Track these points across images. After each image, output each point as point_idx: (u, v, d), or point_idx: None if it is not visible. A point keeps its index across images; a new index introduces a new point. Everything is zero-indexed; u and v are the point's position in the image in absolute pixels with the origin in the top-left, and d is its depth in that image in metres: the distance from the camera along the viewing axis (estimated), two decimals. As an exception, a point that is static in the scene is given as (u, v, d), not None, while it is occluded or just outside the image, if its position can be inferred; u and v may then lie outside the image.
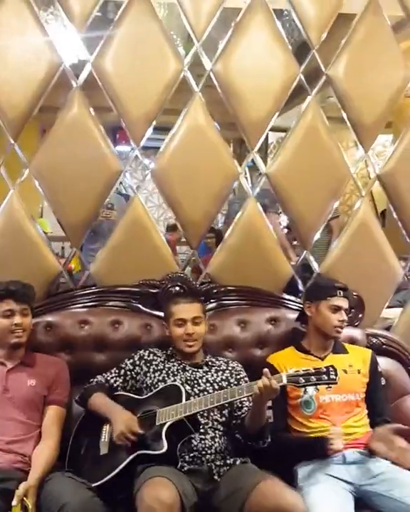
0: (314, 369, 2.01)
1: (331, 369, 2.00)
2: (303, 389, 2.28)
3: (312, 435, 2.28)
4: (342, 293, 2.42)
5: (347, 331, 2.67)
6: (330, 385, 2.07)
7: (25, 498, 1.88)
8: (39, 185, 2.71)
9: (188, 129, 2.74)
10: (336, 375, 1.99)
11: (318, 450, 2.18)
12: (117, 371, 2.36)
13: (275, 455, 2.22)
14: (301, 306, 2.65)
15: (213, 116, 2.77)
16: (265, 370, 2.01)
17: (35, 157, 2.68)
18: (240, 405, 2.25)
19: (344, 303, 2.41)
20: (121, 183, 2.98)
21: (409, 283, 3.07)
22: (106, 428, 2.21)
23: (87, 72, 2.69)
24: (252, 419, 2.12)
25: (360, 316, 2.78)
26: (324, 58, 2.84)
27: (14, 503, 1.84)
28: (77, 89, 2.68)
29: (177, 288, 2.65)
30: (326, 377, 1.98)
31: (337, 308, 2.40)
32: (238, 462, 2.17)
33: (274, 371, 2.17)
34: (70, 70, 2.69)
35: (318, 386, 2.12)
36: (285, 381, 1.99)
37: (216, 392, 2.19)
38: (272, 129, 2.91)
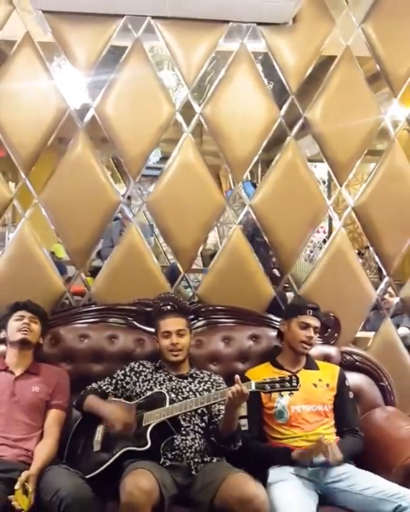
0: (279, 377, 2.29)
1: (293, 378, 2.27)
2: (276, 399, 2.55)
3: (285, 441, 2.53)
4: (311, 312, 2.69)
5: (323, 349, 2.96)
6: (292, 392, 2.34)
7: (26, 483, 2.16)
8: (47, 214, 3.04)
9: (179, 165, 3.08)
10: (297, 382, 2.26)
11: (282, 457, 2.43)
12: (109, 380, 2.65)
13: (248, 460, 2.48)
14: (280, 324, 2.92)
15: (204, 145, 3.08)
16: (236, 376, 2.29)
17: (43, 190, 3.03)
18: (217, 413, 2.51)
19: (312, 321, 2.67)
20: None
21: (385, 309, 3.32)
22: (99, 429, 2.49)
23: (90, 116, 3.04)
24: (224, 425, 2.38)
25: (336, 335, 3.05)
26: (302, 99, 3.16)
27: (17, 486, 2.12)
28: (81, 130, 3.04)
29: (168, 306, 2.94)
30: (288, 385, 2.25)
31: (305, 326, 2.66)
32: (214, 460, 2.44)
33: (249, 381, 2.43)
34: (75, 112, 3.04)
35: (282, 393, 2.38)
36: (253, 387, 2.27)
37: (194, 398, 2.48)
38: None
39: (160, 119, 3.06)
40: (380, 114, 3.19)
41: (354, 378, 2.85)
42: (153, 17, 3.02)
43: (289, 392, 2.34)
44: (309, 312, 2.69)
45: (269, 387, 2.27)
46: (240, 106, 3.09)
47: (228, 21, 3.06)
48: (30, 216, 3.05)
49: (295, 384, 2.26)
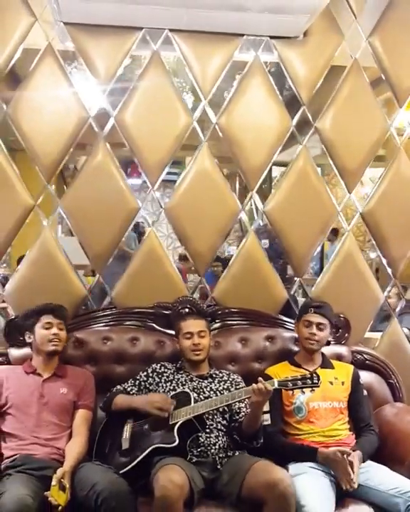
0: (301, 375, 2.43)
1: (314, 375, 2.41)
2: (295, 396, 2.68)
3: (303, 436, 2.67)
4: (313, 310, 2.82)
5: (335, 348, 3.09)
6: (313, 388, 2.47)
7: (62, 480, 2.26)
8: (67, 220, 3.15)
9: (196, 173, 3.20)
10: (318, 380, 2.40)
11: (307, 456, 2.54)
12: (132, 381, 2.76)
13: (271, 454, 2.59)
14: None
15: (214, 152, 3.20)
16: (260, 378, 2.42)
17: (65, 196, 3.13)
18: (238, 411, 2.63)
19: (314, 318, 2.80)
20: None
21: (392, 310, 3.47)
22: (127, 427, 2.61)
23: (110, 125, 3.15)
24: (248, 422, 2.51)
25: (346, 335, 3.18)
26: (312, 108, 3.30)
27: (53, 483, 2.22)
28: (101, 140, 3.14)
29: (186, 309, 3.05)
30: (310, 382, 2.39)
31: (308, 323, 2.80)
32: (236, 453, 2.56)
33: (271, 379, 2.55)
34: (95, 122, 3.14)
35: (304, 390, 2.51)
36: (276, 385, 2.40)
37: (218, 396, 2.60)
38: (276, 164, 3.35)
39: (177, 128, 3.17)
40: (386, 124, 3.33)
41: (364, 376, 2.97)
42: (171, 30, 3.13)
43: (310, 389, 2.47)
44: (311, 310, 2.82)
45: (291, 385, 2.40)
46: (253, 116, 3.21)
47: (242, 34, 3.18)
48: (52, 222, 3.14)
49: (317, 381, 2.39)
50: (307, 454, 2.55)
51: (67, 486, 2.27)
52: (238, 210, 3.26)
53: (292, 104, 3.30)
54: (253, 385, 2.40)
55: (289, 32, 3.17)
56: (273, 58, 3.29)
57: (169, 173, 3.28)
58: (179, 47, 3.16)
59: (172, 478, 2.23)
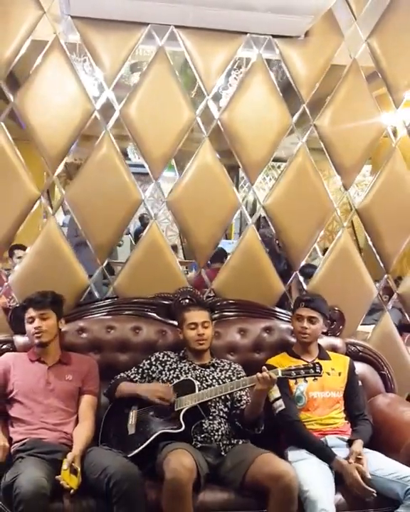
0: (304, 365, 2.53)
1: (317, 365, 2.51)
2: (296, 386, 2.78)
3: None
4: (303, 304, 2.91)
5: (330, 340, 3.18)
6: (316, 378, 2.57)
7: (73, 463, 2.33)
8: (72, 211, 3.20)
9: (198, 167, 3.27)
10: (321, 369, 2.50)
11: (322, 457, 2.61)
12: (135, 369, 2.82)
13: (290, 439, 2.71)
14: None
15: (215, 145, 3.28)
16: (264, 367, 2.52)
17: (70, 188, 3.18)
18: (239, 399, 2.72)
19: (305, 312, 2.88)
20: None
21: (383, 303, 3.59)
22: (132, 413, 2.68)
23: (115, 118, 3.20)
24: (250, 410, 2.61)
25: (341, 327, 3.28)
26: (311, 106, 3.39)
27: (65, 467, 2.28)
28: (106, 133, 3.19)
29: (187, 300, 3.14)
30: (312, 371, 2.49)
31: (300, 317, 2.89)
32: (240, 442, 2.65)
33: (274, 368, 2.63)
34: (101, 118, 3.19)
35: (306, 379, 2.61)
36: (280, 374, 2.49)
37: (222, 384, 2.68)
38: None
39: (180, 123, 3.24)
40: (383, 124, 3.43)
41: (357, 367, 3.05)
42: (176, 26, 3.19)
43: (313, 378, 2.57)
44: (302, 304, 2.91)
45: (295, 374, 2.50)
46: (255, 112, 3.29)
47: (245, 33, 3.25)
48: (57, 213, 3.19)
49: (319, 371, 2.50)
50: (324, 455, 2.62)
51: (79, 469, 2.33)
52: (238, 204, 3.34)
53: (292, 102, 3.39)
54: (258, 373, 2.49)
55: (291, 31, 3.25)
56: (275, 56, 3.36)
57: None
58: (183, 43, 3.22)
59: (183, 461, 2.31)
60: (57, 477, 2.28)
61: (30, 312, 2.70)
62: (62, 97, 3.13)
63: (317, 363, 2.54)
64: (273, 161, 3.42)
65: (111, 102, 3.21)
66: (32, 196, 3.14)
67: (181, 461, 2.30)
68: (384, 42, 3.42)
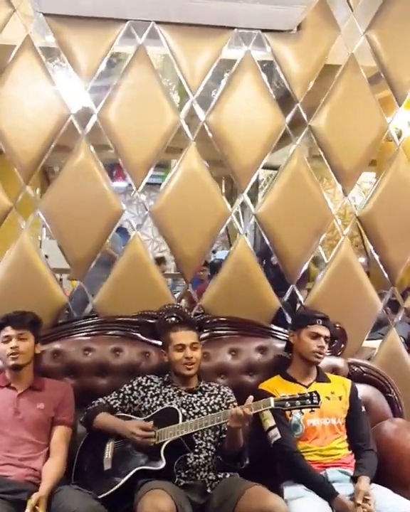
0: (299, 394, 2.25)
1: (314, 394, 2.23)
2: (291, 414, 2.50)
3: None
4: (321, 322, 2.65)
5: (330, 360, 2.90)
6: (313, 409, 2.29)
7: (37, 507, 2.07)
8: (47, 223, 2.96)
9: (183, 173, 3.02)
10: (318, 400, 2.22)
11: (322, 494, 2.34)
12: (116, 395, 2.57)
13: (287, 473, 2.45)
14: (287, 336, 2.88)
15: (204, 154, 3.04)
16: (250, 397, 2.25)
17: (44, 198, 2.94)
18: (226, 429, 2.45)
19: (323, 331, 2.64)
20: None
21: (390, 317, 3.30)
22: (109, 445, 2.41)
23: (92, 123, 2.96)
24: (228, 443, 2.34)
25: (342, 346, 3.01)
26: (306, 106, 3.13)
27: (28, 511, 2.03)
28: (83, 137, 2.96)
29: (173, 318, 2.88)
30: (309, 402, 2.21)
31: (316, 336, 2.63)
32: (227, 475, 2.38)
33: (268, 395, 2.39)
34: (77, 118, 2.95)
35: (302, 410, 2.33)
36: (273, 404, 2.22)
37: (210, 414, 2.41)
38: (263, 167, 3.18)
39: (164, 126, 2.99)
40: (385, 123, 3.17)
41: (361, 390, 2.79)
42: (157, 22, 2.96)
43: (310, 410, 2.30)
44: (319, 321, 2.66)
45: (289, 405, 2.22)
46: (244, 114, 3.04)
47: (233, 27, 3.01)
48: (30, 225, 2.95)
49: (317, 401, 2.22)
50: (325, 491, 2.35)
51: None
52: (228, 213, 3.08)
53: (285, 101, 3.14)
54: (233, 409, 2.24)
55: (282, 25, 3.01)
56: (265, 53, 3.12)
57: (153, 176, 3.11)
58: (165, 40, 2.98)
59: (158, 505, 2.04)
60: None
61: (8, 330, 2.47)
62: (35, 101, 2.90)
63: (314, 392, 2.25)
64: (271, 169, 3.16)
65: (88, 105, 2.97)
66: (3, 207, 2.90)
67: (156, 505, 2.03)
68: (385, 35, 3.15)
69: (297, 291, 3.18)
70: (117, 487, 2.25)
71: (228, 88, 3.05)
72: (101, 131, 2.98)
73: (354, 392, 2.67)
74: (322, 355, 2.63)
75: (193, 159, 3.02)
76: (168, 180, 3.02)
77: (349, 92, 3.14)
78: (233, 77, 3.06)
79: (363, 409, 2.67)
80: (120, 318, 2.90)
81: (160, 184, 3.08)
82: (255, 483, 2.22)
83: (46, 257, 3.15)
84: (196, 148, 3.03)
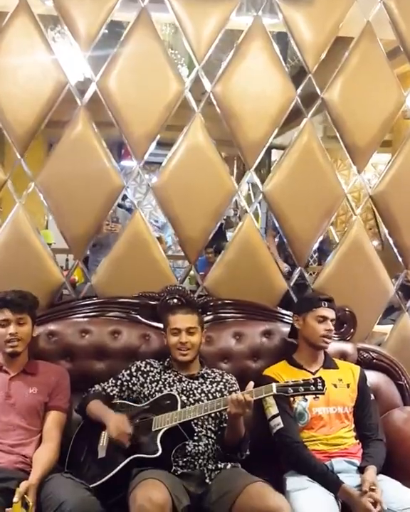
0: (303, 380, 2.11)
1: (319, 380, 2.09)
2: (296, 401, 2.38)
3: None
4: (327, 304, 2.52)
5: (339, 346, 2.78)
6: (317, 396, 2.15)
7: (26, 496, 1.95)
8: (44, 198, 2.81)
9: (188, 147, 2.85)
10: (323, 386, 2.08)
11: (327, 484, 2.22)
12: (114, 381, 2.45)
13: (289, 463, 2.33)
14: (292, 321, 2.74)
15: (213, 133, 2.87)
16: (251, 383, 2.12)
17: (41, 172, 2.79)
18: (227, 417, 2.32)
19: (329, 313, 2.51)
20: (126, 197, 3.08)
21: (403, 302, 3.15)
22: (104, 433, 2.29)
23: (92, 92, 2.80)
24: (229, 433, 2.21)
25: (352, 331, 2.86)
26: (320, 81, 2.96)
27: (15, 499, 1.91)
28: (82, 107, 2.79)
29: (175, 300, 2.74)
30: (314, 388, 2.07)
31: (322, 319, 2.49)
32: (228, 466, 2.25)
33: (273, 381, 2.26)
34: (76, 88, 2.79)
35: (307, 397, 2.19)
36: (275, 390, 2.08)
37: (208, 401, 2.28)
38: (276, 148, 3.02)
39: (167, 97, 2.82)
40: (402, 97, 2.99)
41: (371, 377, 2.67)
42: (160, -16, 2.78)
43: (314, 396, 2.16)
44: (325, 304, 2.53)
45: (292, 391, 2.09)
46: (253, 85, 2.86)
47: (242, -9, 2.83)
48: (25, 200, 2.80)
49: (321, 388, 2.08)
50: (329, 482, 2.22)
51: (31, 503, 1.96)
52: (234, 191, 2.92)
53: (296, 73, 2.96)
54: (233, 394, 2.10)
55: (295, -11, 2.82)
56: (276, 21, 2.93)
57: (157, 155, 2.95)
58: (170, 4, 2.80)
59: (152, 496, 1.92)
60: (7, 510, 1.92)
61: (6, 314, 2.33)
62: (30, 68, 2.73)
63: (319, 377, 2.12)
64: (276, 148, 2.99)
65: (87, 73, 2.81)
66: (-5, 181, 2.77)
67: (149, 496, 1.91)
68: (404, 2, 2.95)
69: (305, 274, 3.03)
70: (110, 475, 2.13)
71: (236, 57, 2.87)
72: (101, 102, 2.81)
73: (362, 379, 2.55)
74: (329, 340, 2.50)
75: (199, 132, 2.86)
76: (171, 154, 2.86)
77: (364, 63, 2.96)
78: (241, 45, 2.87)
79: (372, 397, 2.55)
80: (120, 299, 2.77)
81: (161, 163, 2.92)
82: (258, 479, 2.09)
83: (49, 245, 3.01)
84: (202, 120, 2.86)
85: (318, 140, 2.94)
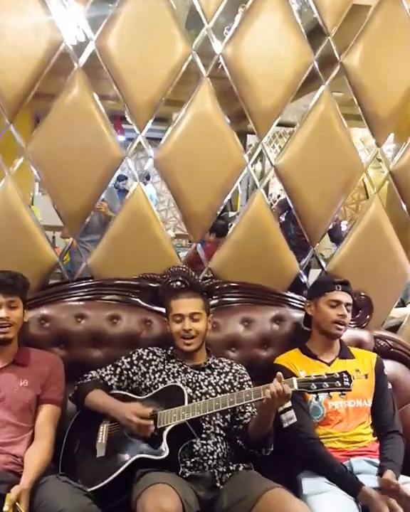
0: (327, 375, 1.91)
1: (344, 375, 1.90)
2: (311, 394, 2.17)
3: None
4: (340, 287, 2.33)
5: (354, 333, 2.60)
6: (343, 393, 1.96)
7: (17, 503, 1.75)
8: (35, 171, 2.56)
9: (194, 116, 2.60)
10: (350, 381, 1.89)
11: (346, 486, 2.03)
12: (112, 369, 2.24)
13: (303, 461, 2.14)
14: (304, 306, 2.53)
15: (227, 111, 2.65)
16: (279, 373, 1.90)
17: (31, 141, 2.53)
18: (242, 410, 2.13)
19: (343, 297, 2.31)
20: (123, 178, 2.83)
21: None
22: (103, 428, 2.09)
23: (89, 52, 2.53)
24: (257, 427, 2.01)
25: (368, 317, 2.68)
26: (339, 48, 2.71)
27: (6, 508, 1.72)
28: (78, 70, 2.52)
29: (178, 283, 2.54)
30: (339, 384, 1.88)
31: (336, 303, 2.30)
32: (240, 468, 2.06)
33: (287, 372, 2.08)
34: (71, 49, 2.52)
35: (331, 393, 2.00)
36: (296, 386, 1.88)
37: (220, 395, 2.08)
38: (281, 124, 2.78)
39: (173, 59, 2.56)
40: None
41: (388, 366, 2.49)
42: None
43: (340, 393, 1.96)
44: (338, 287, 2.33)
45: (315, 386, 1.88)
46: (266, 47, 2.60)
47: None
48: (14, 172, 2.54)
49: (348, 383, 1.89)
50: (347, 483, 2.04)
51: (24, 510, 1.76)
52: (243, 164, 2.68)
53: (314, 36, 2.70)
54: (269, 386, 1.87)
55: None
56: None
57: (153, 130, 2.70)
58: None
59: (162, 503, 1.73)
60: None
61: None
62: (21, 25, 2.45)
63: (345, 372, 1.92)
64: (283, 125, 2.73)
65: (84, 31, 2.53)
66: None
67: (159, 504, 1.72)
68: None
69: (317, 255, 2.82)
70: (111, 479, 1.93)
71: (247, 16, 2.61)
72: (95, 68, 2.54)
73: (380, 368, 2.37)
74: (343, 326, 2.31)
75: (206, 99, 2.60)
76: (175, 124, 2.60)
77: (388, 26, 2.71)
78: (254, 3, 2.60)
79: (389, 385, 2.37)
80: (118, 282, 2.55)
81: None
82: (276, 485, 1.89)
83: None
84: (210, 86, 2.60)
85: (336, 109, 2.69)
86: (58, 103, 2.51)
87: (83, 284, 2.55)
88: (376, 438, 2.25)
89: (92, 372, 2.25)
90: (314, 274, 3.13)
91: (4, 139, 2.55)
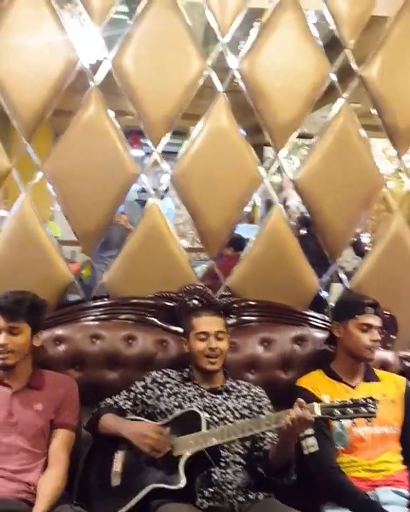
0: (352, 400, 1.82)
1: (370, 401, 1.81)
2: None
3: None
4: (372, 310, 2.22)
5: (379, 354, 2.46)
6: (369, 419, 1.87)
7: None
8: (52, 188, 2.54)
9: (210, 131, 2.56)
10: (375, 408, 1.80)
11: None
12: (126, 394, 2.18)
13: (325, 491, 2.06)
14: (329, 324, 2.46)
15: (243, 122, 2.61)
16: (300, 400, 1.82)
17: (48, 159, 2.52)
18: (262, 436, 2.04)
19: (375, 321, 2.22)
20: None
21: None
22: (117, 457, 2.02)
23: (105, 71, 2.51)
24: (277, 453, 1.93)
25: (393, 337, 2.58)
26: (357, 59, 2.65)
27: None
28: (94, 88, 2.51)
29: (195, 301, 2.47)
30: (364, 410, 1.79)
31: (367, 327, 2.20)
32: (260, 497, 1.98)
33: (309, 395, 2.00)
34: (88, 68, 2.51)
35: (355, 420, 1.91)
36: (318, 413, 1.80)
37: (238, 421, 2.01)
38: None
39: (188, 76, 2.53)
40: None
41: (415, 389, 2.39)
42: None
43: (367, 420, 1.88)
44: (369, 310, 2.22)
45: (339, 413, 1.79)
46: (283, 60, 2.56)
47: None
48: (31, 189, 2.52)
49: (373, 410, 1.80)
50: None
51: None
52: (260, 179, 2.62)
53: (331, 48, 2.65)
54: (290, 411, 1.79)
55: None
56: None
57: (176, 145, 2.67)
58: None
59: None
60: None
61: None
62: (39, 46, 2.45)
63: (370, 398, 1.83)
64: (300, 137, 2.69)
65: (101, 50, 2.52)
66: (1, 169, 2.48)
67: None
68: None
69: (339, 272, 2.74)
70: (126, 509, 1.86)
71: (264, 30, 2.57)
72: (111, 85, 2.52)
73: (408, 392, 2.26)
74: (374, 351, 2.21)
75: (222, 114, 2.56)
76: (192, 139, 2.56)
77: (407, 37, 2.65)
78: (270, 18, 2.56)
79: None
80: (134, 301, 2.49)
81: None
82: None
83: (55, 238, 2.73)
84: (226, 100, 2.56)
85: (355, 121, 2.63)
86: (73, 121, 2.50)
87: (99, 303, 2.51)
88: (404, 466, 2.15)
89: (107, 399, 2.19)
90: (335, 288, 3.04)
91: (22, 158, 2.54)
